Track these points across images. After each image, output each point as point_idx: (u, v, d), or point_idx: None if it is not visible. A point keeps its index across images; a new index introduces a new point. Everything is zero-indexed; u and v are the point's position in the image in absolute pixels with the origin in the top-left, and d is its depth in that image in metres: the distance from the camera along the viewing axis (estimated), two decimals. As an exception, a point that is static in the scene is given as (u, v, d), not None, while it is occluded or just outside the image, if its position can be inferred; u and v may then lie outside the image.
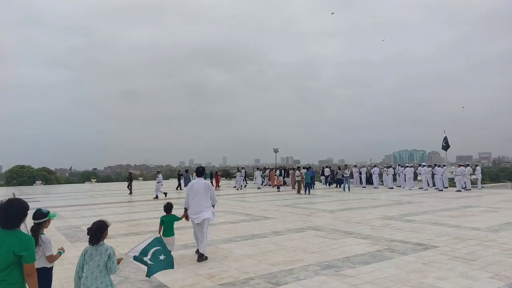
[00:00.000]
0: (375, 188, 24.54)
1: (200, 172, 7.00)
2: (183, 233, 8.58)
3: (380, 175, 26.03)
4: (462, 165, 22.16)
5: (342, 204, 15.09)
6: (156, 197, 19.96)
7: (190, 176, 24.98)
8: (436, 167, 22.64)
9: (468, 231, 8.29)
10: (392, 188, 23.89)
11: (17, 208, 2.75)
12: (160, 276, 5.47)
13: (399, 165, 28.50)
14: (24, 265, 2.62)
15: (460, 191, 20.07)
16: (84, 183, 47.28)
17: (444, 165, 23.29)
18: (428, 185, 22.43)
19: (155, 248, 3.97)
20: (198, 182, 6.75)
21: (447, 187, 21.99)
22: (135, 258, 3.99)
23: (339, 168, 29.08)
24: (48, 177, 50.54)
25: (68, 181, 63.83)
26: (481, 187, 22.16)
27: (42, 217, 3.69)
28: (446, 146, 26.08)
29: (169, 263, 4.06)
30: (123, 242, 8.15)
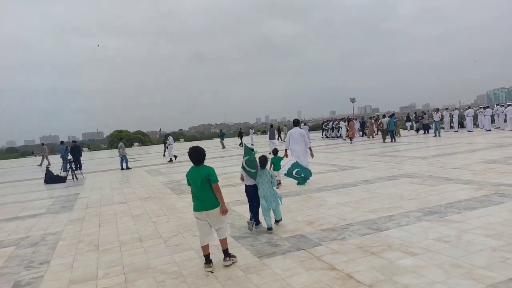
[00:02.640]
0: (469, 131, 22.43)
1: (296, 122, 9.51)
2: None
3: (475, 117, 23.58)
4: None
5: (435, 150, 14.17)
6: (170, 160, 19.94)
7: (275, 130, 25.64)
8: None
9: None
10: (490, 130, 21.58)
11: (200, 152, 4.34)
12: (263, 222, 5.91)
13: (497, 104, 25.38)
14: (212, 184, 4.28)
15: None
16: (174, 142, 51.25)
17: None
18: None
19: (296, 169, 6.69)
20: (295, 130, 9.04)
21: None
22: (285, 174, 6.91)
23: (424, 113, 26.99)
24: (143, 139, 55.84)
25: (160, 141, 69.92)
26: None
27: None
28: None
29: (308, 174, 6.99)
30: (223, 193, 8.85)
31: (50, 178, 13.97)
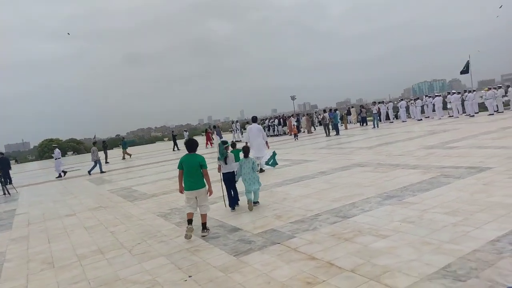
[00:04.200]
0: (403, 121, 24.26)
1: (254, 119, 11.14)
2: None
3: (407, 108, 25.57)
4: (493, 88, 21.41)
5: (377, 140, 15.09)
6: (59, 176, 18.00)
7: (220, 130, 25.45)
8: (466, 93, 21.97)
9: (518, 150, 8.23)
10: (421, 120, 23.55)
11: (195, 142, 5.51)
12: (230, 221, 5.82)
13: (426, 95, 27.79)
14: (203, 170, 5.28)
15: (493, 114, 19.59)
16: (112, 149, 48.67)
17: (474, 90, 22.55)
18: (458, 112, 21.97)
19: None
20: (254, 126, 10.51)
21: (477, 113, 21.49)
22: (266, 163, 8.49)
23: (361, 107, 28.74)
24: (77, 147, 52.22)
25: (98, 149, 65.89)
26: (515, 107, 21.51)
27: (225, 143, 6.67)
28: (465, 71, 25.15)
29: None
30: (179, 196, 8.54)
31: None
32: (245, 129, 31.49)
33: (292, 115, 30.33)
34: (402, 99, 27.57)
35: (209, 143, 26.18)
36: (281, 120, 29.58)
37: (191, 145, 5.44)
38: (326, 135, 21.42)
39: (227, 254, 4.40)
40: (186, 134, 30.26)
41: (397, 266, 3.42)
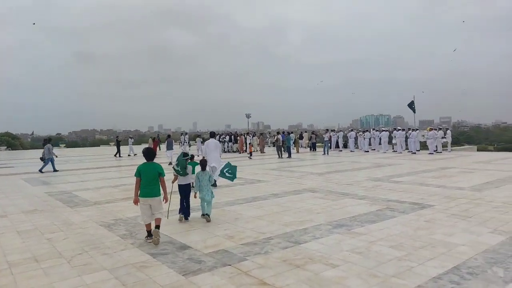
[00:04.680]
0: (351, 151, 25.45)
1: (212, 134, 11.57)
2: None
3: (356, 139, 26.93)
4: (434, 129, 23.32)
5: (327, 167, 15.64)
6: None
7: (172, 141, 24.83)
8: (410, 131, 23.67)
9: (454, 190, 8.96)
10: (368, 151, 24.88)
11: (153, 151, 5.76)
12: (180, 237, 5.65)
13: (373, 129, 29.53)
14: (160, 178, 5.51)
15: (432, 153, 21.25)
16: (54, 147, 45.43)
17: (417, 129, 24.39)
18: (402, 148, 23.56)
19: (227, 168, 7.52)
20: (211, 141, 10.80)
21: (419, 150, 23.20)
22: (220, 175, 7.63)
23: (313, 133, 29.84)
24: (12, 142, 48.15)
25: (33, 146, 61.14)
26: (451, 149, 23.54)
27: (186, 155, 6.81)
28: (412, 107, 27.23)
29: (235, 171, 7.60)
30: (124, 206, 8.16)
31: None
32: (195, 141, 31.22)
33: (248, 133, 30.64)
34: (352, 130, 29.01)
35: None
36: (233, 137, 29.69)
37: (149, 154, 5.68)
38: (279, 156, 21.81)
39: (175, 273, 4.24)
40: (131, 141, 28.52)
41: (346, 297, 3.52)
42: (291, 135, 26.11)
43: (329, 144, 25.37)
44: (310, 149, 27.79)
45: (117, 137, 30.76)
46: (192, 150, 26.59)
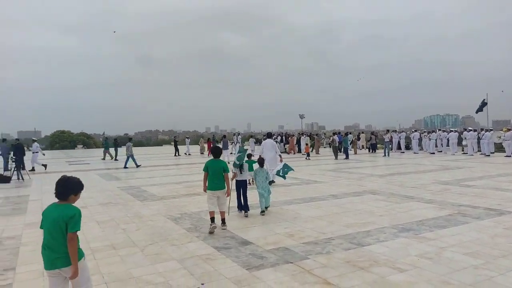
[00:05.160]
0: (414, 153, 24.10)
1: (269, 135, 12.61)
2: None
3: (420, 140, 25.44)
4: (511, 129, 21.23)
5: (388, 169, 15.00)
6: (32, 169, 17.33)
7: (228, 141, 25.59)
8: (483, 132, 21.80)
9: (537, 197, 8.12)
10: (433, 153, 23.38)
11: (219, 149, 6.55)
12: (241, 233, 5.81)
13: (439, 129, 27.68)
14: (224, 174, 6.13)
15: (510, 156, 19.36)
16: (121, 147, 49.00)
17: (491, 130, 22.39)
18: (473, 150, 21.79)
19: (286, 169, 7.80)
20: (268, 141, 11.41)
21: (493, 152, 21.28)
22: (276, 174, 7.94)
23: (372, 133, 28.71)
24: (87, 141, 52.70)
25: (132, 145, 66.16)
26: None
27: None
28: (479, 109, 25.00)
29: (290, 169, 7.90)
30: (188, 201, 8.58)
31: (-8, 177, 12.62)
32: (248, 141, 31.81)
33: (303, 134, 30.42)
34: (415, 130, 27.46)
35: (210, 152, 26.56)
36: (284, 137, 29.59)
37: (216, 152, 6.37)
38: (335, 157, 21.36)
39: (239, 267, 4.38)
40: (188, 141, 30.56)
41: (415, 302, 3.37)
42: (349, 135, 25.45)
43: (390, 146, 24.28)
44: (369, 151, 26.81)
45: (174, 137, 32.69)
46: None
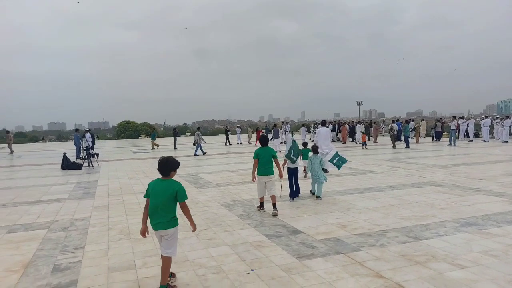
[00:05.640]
0: (484, 141, 22.19)
1: (324, 122, 11.97)
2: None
3: (491, 127, 23.33)
4: None
5: (453, 159, 14.01)
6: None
7: (278, 129, 25.62)
8: None
9: None
10: (507, 142, 21.32)
11: (267, 138, 6.72)
12: (292, 222, 5.83)
13: (514, 116, 25.12)
14: (274, 160, 6.41)
15: None
16: (180, 136, 51.35)
17: None
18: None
19: (337, 158, 8.08)
20: (323, 129, 11.24)
21: None
22: (330, 161, 8.22)
23: (438, 120, 26.82)
24: (149, 131, 55.85)
25: (165, 134, 69.91)
26: None
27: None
28: None
29: (344, 161, 8.15)
30: (241, 189, 8.78)
31: (67, 164, 13.97)
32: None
33: (359, 122, 29.40)
34: (486, 116, 25.18)
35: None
36: (336, 126, 28.69)
37: (264, 140, 6.69)
38: (393, 146, 20.39)
39: (289, 255, 4.42)
40: (238, 130, 31.34)
41: (476, 301, 3.16)
42: (411, 123, 24.14)
43: (457, 133, 22.58)
44: (433, 139, 25.16)
45: (226, 127, 33.66)
46: (296, 138, 26.82)
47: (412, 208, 6.48)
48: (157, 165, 3.70)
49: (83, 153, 15.18)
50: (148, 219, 3.59)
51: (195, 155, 19.12)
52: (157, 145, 26.47)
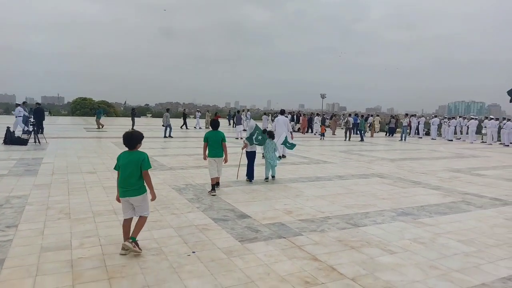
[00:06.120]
0: (432, 139, 23.59)
1: (282, 112, 12.75)
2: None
3: (439, 126, 24.79)
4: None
5: (401, 154, 14.77)
6: (13, 133, 15.07)
7: (241, 116, 25.67)
8: (505, 121, 21.05)
9: (549, 190, 7.88)
10: (452, 140, 22.81)
11: (217, 122, 7.00)
12: (241, 207, 5.89)
13: (460, 116, 26.86)
14: (223, 143, 6.78)
15: (530, 148, 18.71)
16: (140, 117, 49.80)
17: (514, 120, 21.55)
18: (492, 139, 21.13)
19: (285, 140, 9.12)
20: (281, 118, 11.65)
21: (513, 143, 20.59)
22: (282, 143, 9.13)
23: (392, 117, 28.11)
24: (108, 109, 53.56)
25: (125, 114, 67.34)
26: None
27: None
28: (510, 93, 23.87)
29: (293, 146, 9.31)
30: (195, 173, 8.72)
31: (11, 139, 13.08)
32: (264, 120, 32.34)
33: (317, 114, 30.06)
34: (435, 116, 26.73)
35: None
36: (295, 117, 29.21)
37: (215, 124, 6.92)
38: (345, 139, 21.11)
39: (233, 239, 4.47)
40: (198, 114, 31.40)
41: (400, 285, 3.39)
42: (370, 118, 25.08)
43: (408, 130, 23.77)
44: (387, 134, 26.35)
45: (184, 110, 33.38)
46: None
47: (357, 198, 6.78)
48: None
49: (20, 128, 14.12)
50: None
51: (165, 136, 19.00)
52: (102, 125, 24.68)
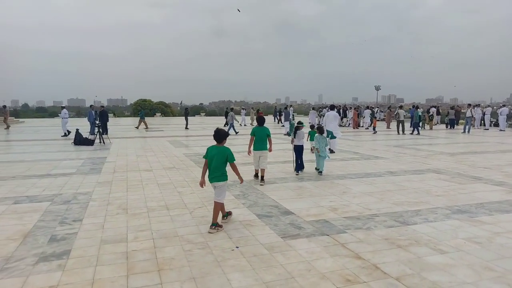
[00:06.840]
0: (501, 130, 21.61)
1: (332, 107, 13.69)
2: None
3: (509, 116, 22.63)
4: None
5: (462, 147, 13.77)
6: (65, 134, 18.36)
7: (289, 112, 25.58)
8: None
9: None
10: (524, 131, 20.72)
11: (263, 118, 7.74)
12: (286, 204, 5.94)
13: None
14: (268, 138, 7.54)
15: None
16: (194, 116, 51.84)
17: None
18: None
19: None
20: (331, 112, 12.29)
21: None
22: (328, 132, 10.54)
23: (452, 108, 26.20)
24: (165, 109, 56.45)
25: (180, 114, 70.40)
26: None
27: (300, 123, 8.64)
28: None
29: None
30: (243, 170, 8.90)
31: (79, 140, 14.40)
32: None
33: (368, 107, 28.96)
34: (504, 105, 24.43)
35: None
36: (341, 111, 28.14)
37: (261, 121, 7.67)
38: (398, 132, 20.09)
39: (275, 235, 4.55)
40: (243, 112, 32.35)
41: (448, 286, 3.23)
42: (432, 109, 23.73)
43: (472, 122, 22.03)
44: (447, 126, 24.66)
45: (226, 108, 34.07)
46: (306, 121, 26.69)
47: (408, 194, 6.49)
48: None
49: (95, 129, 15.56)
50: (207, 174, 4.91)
51: (236, 133, 20.66)
52: (146, 126, 24.88)
